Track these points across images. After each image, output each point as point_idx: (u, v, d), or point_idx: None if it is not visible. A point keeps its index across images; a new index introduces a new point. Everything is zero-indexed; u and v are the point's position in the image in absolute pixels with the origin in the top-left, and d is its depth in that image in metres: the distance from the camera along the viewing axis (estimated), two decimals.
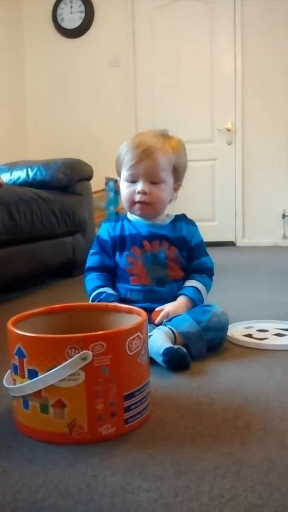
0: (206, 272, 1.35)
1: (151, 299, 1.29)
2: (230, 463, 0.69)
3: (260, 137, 4.12)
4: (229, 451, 0.73)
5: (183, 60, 4.22)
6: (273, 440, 0.76)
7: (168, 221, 1.36)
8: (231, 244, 4.21)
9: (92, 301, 1.29)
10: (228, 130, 4.16)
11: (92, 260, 1.37)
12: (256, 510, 0.59)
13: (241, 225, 4.24)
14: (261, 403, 0.91)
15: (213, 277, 1.38)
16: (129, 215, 1.37)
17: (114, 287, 1.33)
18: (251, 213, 4.22)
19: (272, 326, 1.44)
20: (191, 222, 1.38)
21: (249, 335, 1.33)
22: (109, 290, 1.29)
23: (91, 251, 1.38)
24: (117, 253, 1.33)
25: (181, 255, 1.33)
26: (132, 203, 1.29)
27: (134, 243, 1.31)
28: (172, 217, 1.37)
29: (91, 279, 1.33)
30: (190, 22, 4.16)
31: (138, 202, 1.28)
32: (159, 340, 1.11)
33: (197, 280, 1.32)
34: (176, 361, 1.08)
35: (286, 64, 4.02)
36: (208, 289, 1.35)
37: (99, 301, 1.26)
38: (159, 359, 1.09)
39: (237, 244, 4.24)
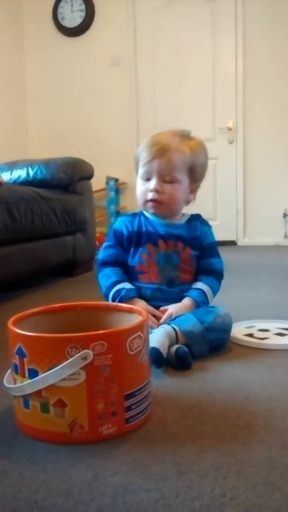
0: (214, 274, 1.34)
1: (159, 298, 1.28)
2: (232, 463, 0.69)
3: (261, 136, 4.12)
4: (231, 451, 0.73)
5: (184, 59, 4.21)
6: (274, 440, 0.76)
7: (184, 220, 1.35)
8: (232, 243, 4.20)
9: (113, 299, 1.26)
10: (230, 129, 4.15)
11: (106, 253, 1.34)
12: (257, 510, 0.59)
13: (242, 224, 4.24)
14: (262, 402, 0.90)
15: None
16: (145, 212, 1.35)
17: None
18: (253, 212, 4.22)
19: (274, 325, 1.43)
20: (205, 223, 1.38)
21: (251, 335, 1.33)
22: (127, 285, 1.27)
23: (106, 243, 1.36)
24: (132, 249, 1.31)
25: (195, 256, 1.32)
26: (145, 201, 1.29)
27: (149, 241, 1.30)
28: (188, 217, 1.36)
29: (107, 274, 1.31)
30: (192, 21, 4.16)
31: (151, 200, 1.27)
32: (154, 339, 1.10)
33: (204, 283, 1.31)
34: (160, 362, 1.06)
35: (287, 63, 4.02)
36: (215, 293, 1.34)
37: (121, 298, 1.24)
38: None
39: (238, 244, 4.24)
